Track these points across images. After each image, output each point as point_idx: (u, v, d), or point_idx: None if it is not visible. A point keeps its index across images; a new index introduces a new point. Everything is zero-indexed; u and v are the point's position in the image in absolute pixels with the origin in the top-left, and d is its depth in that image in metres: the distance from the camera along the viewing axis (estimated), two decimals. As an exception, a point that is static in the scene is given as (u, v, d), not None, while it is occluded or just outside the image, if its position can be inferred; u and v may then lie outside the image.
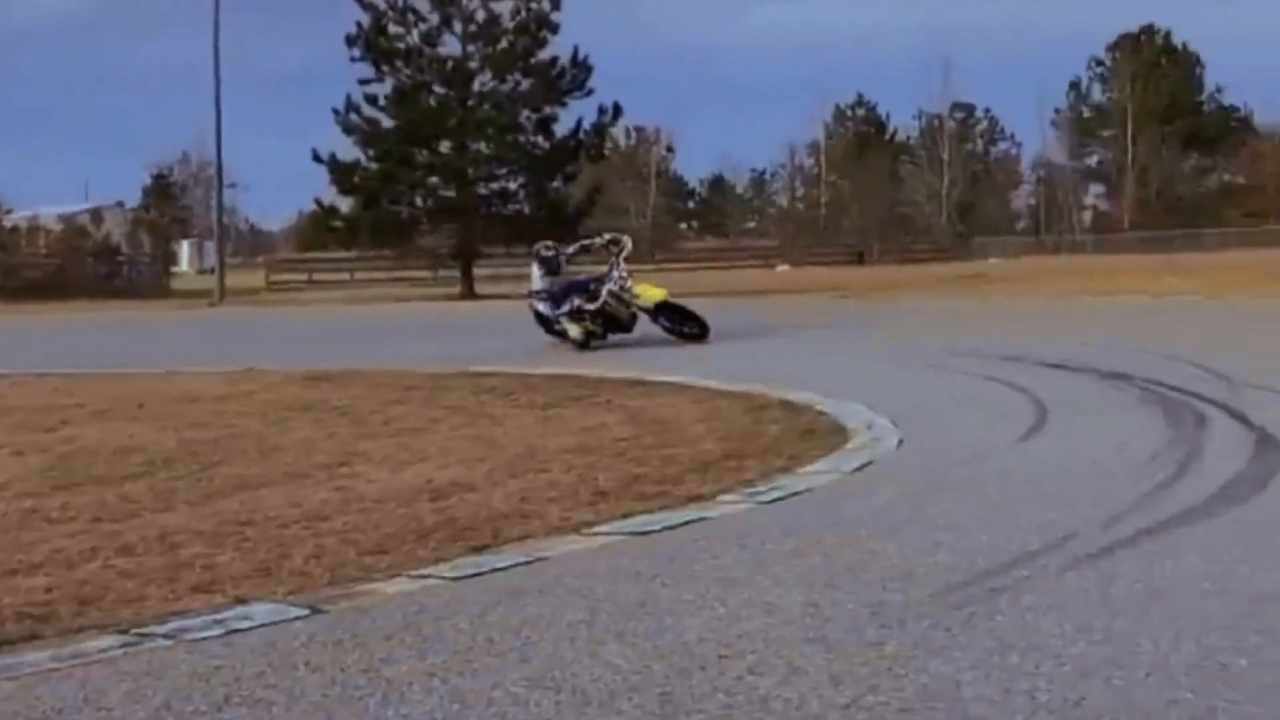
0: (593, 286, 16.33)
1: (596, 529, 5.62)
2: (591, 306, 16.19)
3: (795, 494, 6.26)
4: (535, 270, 16.94)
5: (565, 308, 16.26)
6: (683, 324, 16.43)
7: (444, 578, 4.85)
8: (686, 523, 5.68)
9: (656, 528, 5.59)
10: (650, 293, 16.75)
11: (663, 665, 3.68)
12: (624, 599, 4.41)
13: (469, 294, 38.38)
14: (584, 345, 16.06)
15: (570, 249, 17.68)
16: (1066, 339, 14.81)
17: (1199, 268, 32.93)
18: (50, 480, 7.44)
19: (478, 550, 5.27)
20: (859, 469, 6.93)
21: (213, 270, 46.70)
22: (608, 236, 17.55)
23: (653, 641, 3.91)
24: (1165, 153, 70.12)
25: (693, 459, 7.35)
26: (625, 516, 5.85)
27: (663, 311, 16.52)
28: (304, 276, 50.47)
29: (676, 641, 3.91)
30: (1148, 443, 7.21)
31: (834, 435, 8.13)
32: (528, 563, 5.01)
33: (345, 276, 48.94)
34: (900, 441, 7.76)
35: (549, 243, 17.62)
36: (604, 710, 3.34)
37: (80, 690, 3.65)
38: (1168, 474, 6.29)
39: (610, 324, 16.41)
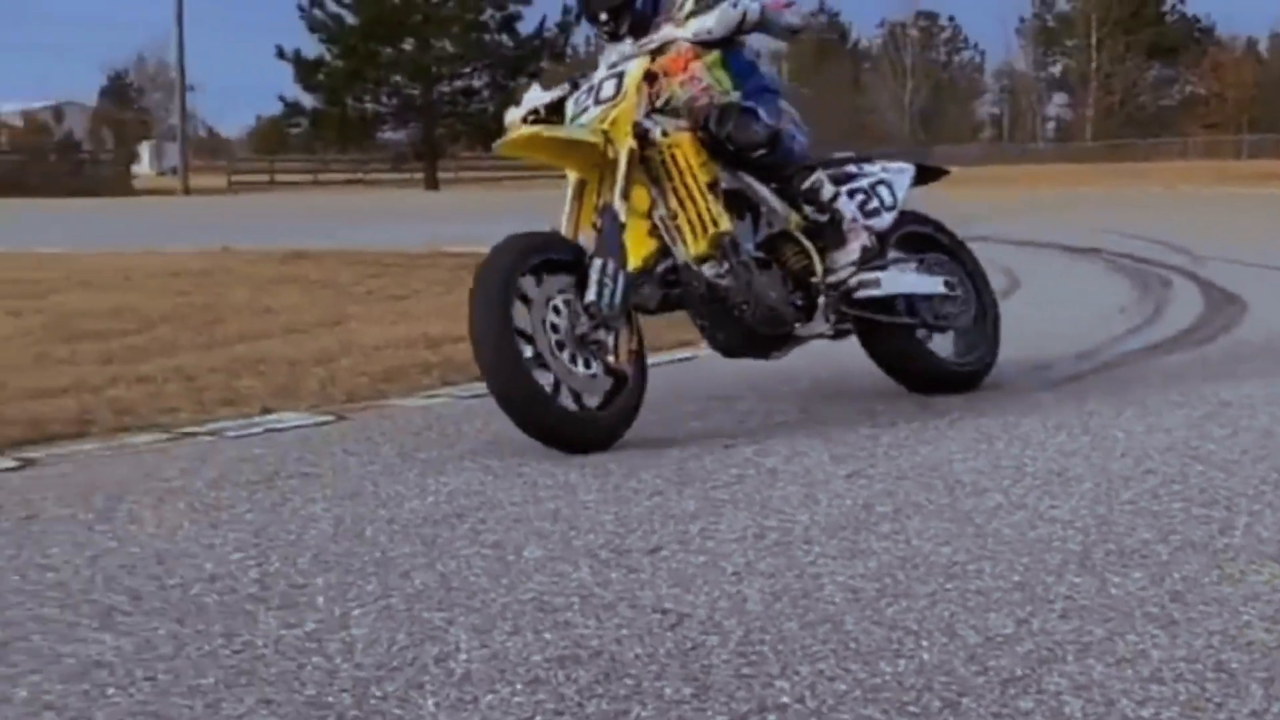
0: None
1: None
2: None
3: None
4: None
5: None
6: None
7: (455, 396, 5.13)
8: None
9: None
10: None
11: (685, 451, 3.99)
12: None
13: (432, 189, 38.47)
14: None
15: None
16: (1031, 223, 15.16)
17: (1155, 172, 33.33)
18: (52, 334, 7.59)
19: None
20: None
21: (173, 171, 46.47)
22: None
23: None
24: (1128, 62, 70.34)
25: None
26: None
27: None
28: (266, 178, 50.28)
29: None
30: (1116, 299, 7.55)
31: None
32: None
33: (308, 178, 48.79)
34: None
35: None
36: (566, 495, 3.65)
37: (138, 468, 3.93)
38: (1135, 323, 6.63)
39: None
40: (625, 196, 4.23)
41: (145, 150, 67.36)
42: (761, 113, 4.53)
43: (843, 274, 4.60)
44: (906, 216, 4.91)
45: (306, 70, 38.70)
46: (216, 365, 6.06)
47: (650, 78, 4.41)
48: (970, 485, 3.47)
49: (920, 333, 4.86)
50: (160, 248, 14.78)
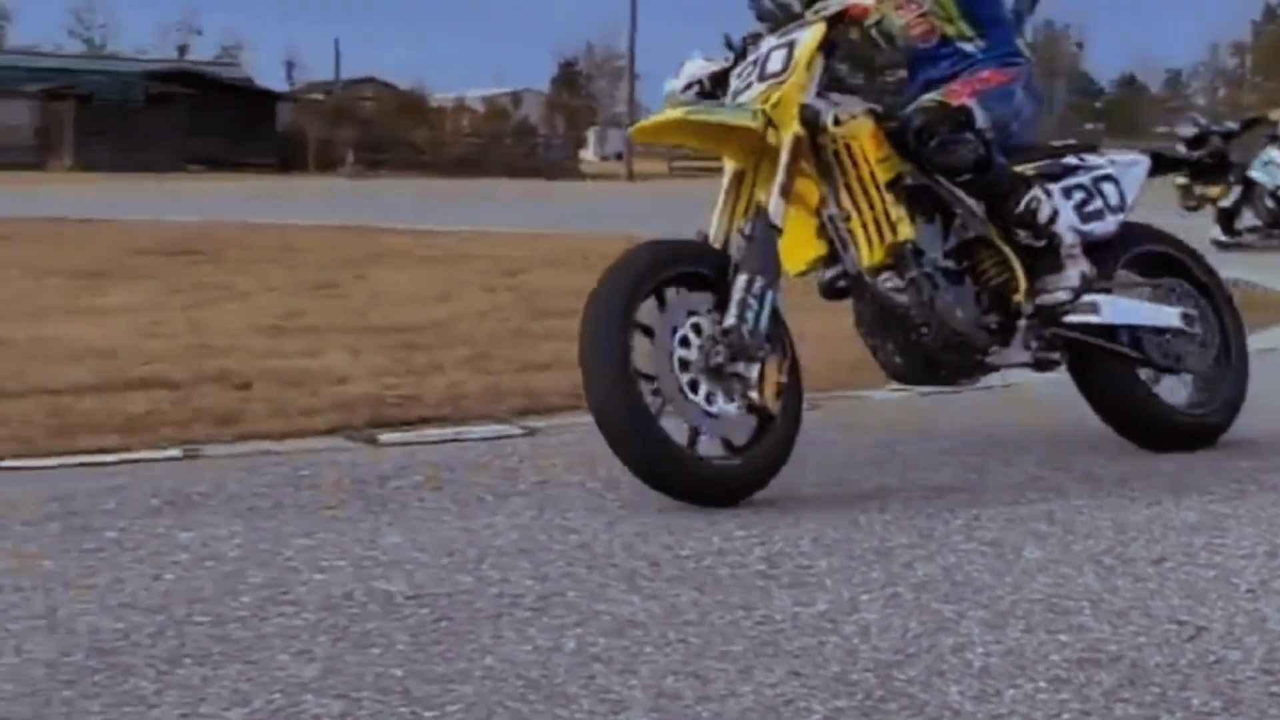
0: None
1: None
2: None
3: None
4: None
5: None
6: None
7: (920, 391, 5.12)
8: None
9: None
10: None
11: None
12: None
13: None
14: None
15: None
16: None
17: None
18: (523, 311, 8.08)
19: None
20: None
21: (616, 156, 48.29)
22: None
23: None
24: None
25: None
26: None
27: None
28: (704, 164, 51.42)
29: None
30: None
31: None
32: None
33: (744, 166, 49.58)
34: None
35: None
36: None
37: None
38: None
39: None
40: (785, 195, 3.53)
41: (591, 135, 70.26)
42: (977, 114, 3.77)
43: (1054, 298, 3.85)
44: (1142, 231, 4.15)
45: (750, 60, 39.56)
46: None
47: (829, 49, 3.67)
48: None
49: (1144, 373, 4.02)
50: (610, 231, 15.42)
